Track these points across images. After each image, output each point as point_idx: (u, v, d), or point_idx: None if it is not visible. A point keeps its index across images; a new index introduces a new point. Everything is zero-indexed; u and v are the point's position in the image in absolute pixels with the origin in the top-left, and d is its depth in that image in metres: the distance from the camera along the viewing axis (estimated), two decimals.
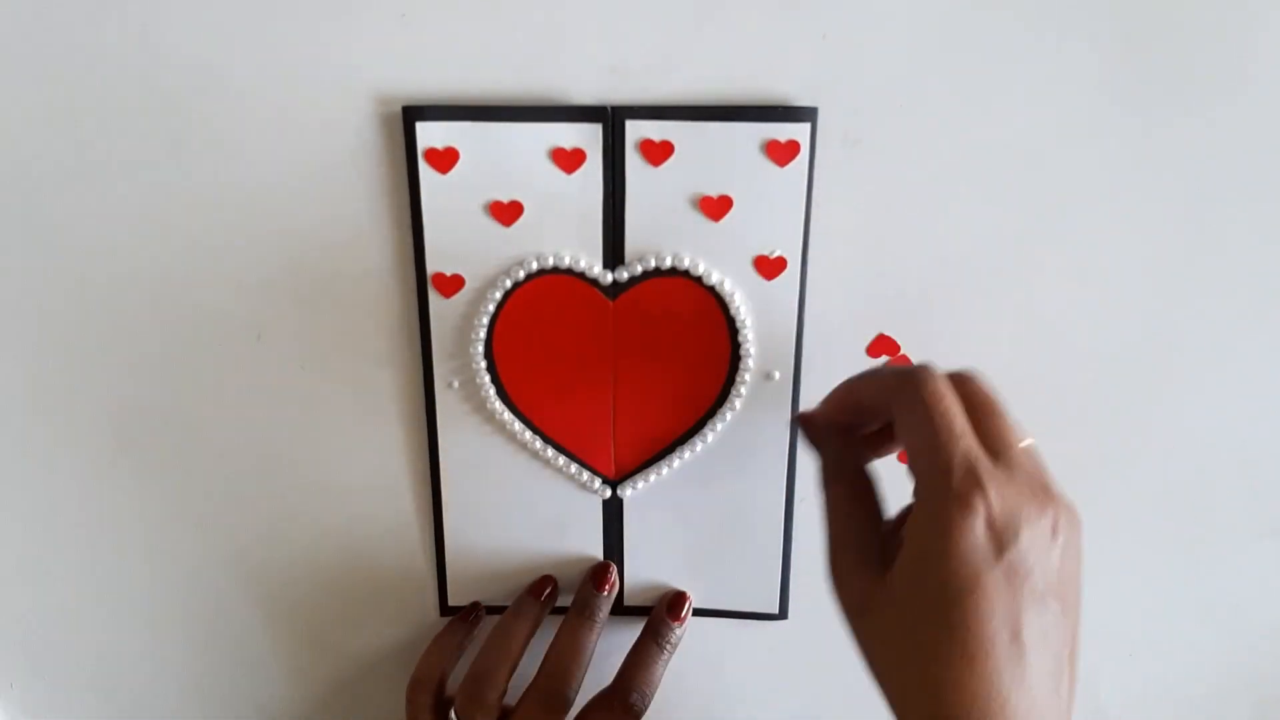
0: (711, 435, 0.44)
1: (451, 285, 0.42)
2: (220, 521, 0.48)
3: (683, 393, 0.44)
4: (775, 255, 0.41)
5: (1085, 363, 0.44)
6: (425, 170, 0.40)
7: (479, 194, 0.40)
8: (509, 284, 0.42)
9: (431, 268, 0.42)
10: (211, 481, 0.47)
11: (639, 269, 0.41)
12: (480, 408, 0.44)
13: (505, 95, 0.39)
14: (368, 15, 0.38)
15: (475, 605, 0.48)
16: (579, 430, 0.45)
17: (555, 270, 0.42)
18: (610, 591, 0.46)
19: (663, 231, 0.41)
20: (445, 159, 0.40)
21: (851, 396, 0.37)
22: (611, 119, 0.39)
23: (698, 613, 0.48)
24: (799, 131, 0.39)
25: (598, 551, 0.47)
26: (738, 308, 0.42)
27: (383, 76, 0.39)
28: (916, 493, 0.33)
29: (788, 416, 0.44)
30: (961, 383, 0.34)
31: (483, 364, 0.43)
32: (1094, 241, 0.41)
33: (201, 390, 0.45)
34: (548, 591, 0.47)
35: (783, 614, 0.48)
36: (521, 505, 0.46)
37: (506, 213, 0.41)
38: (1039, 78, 0.39)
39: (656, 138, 0.39)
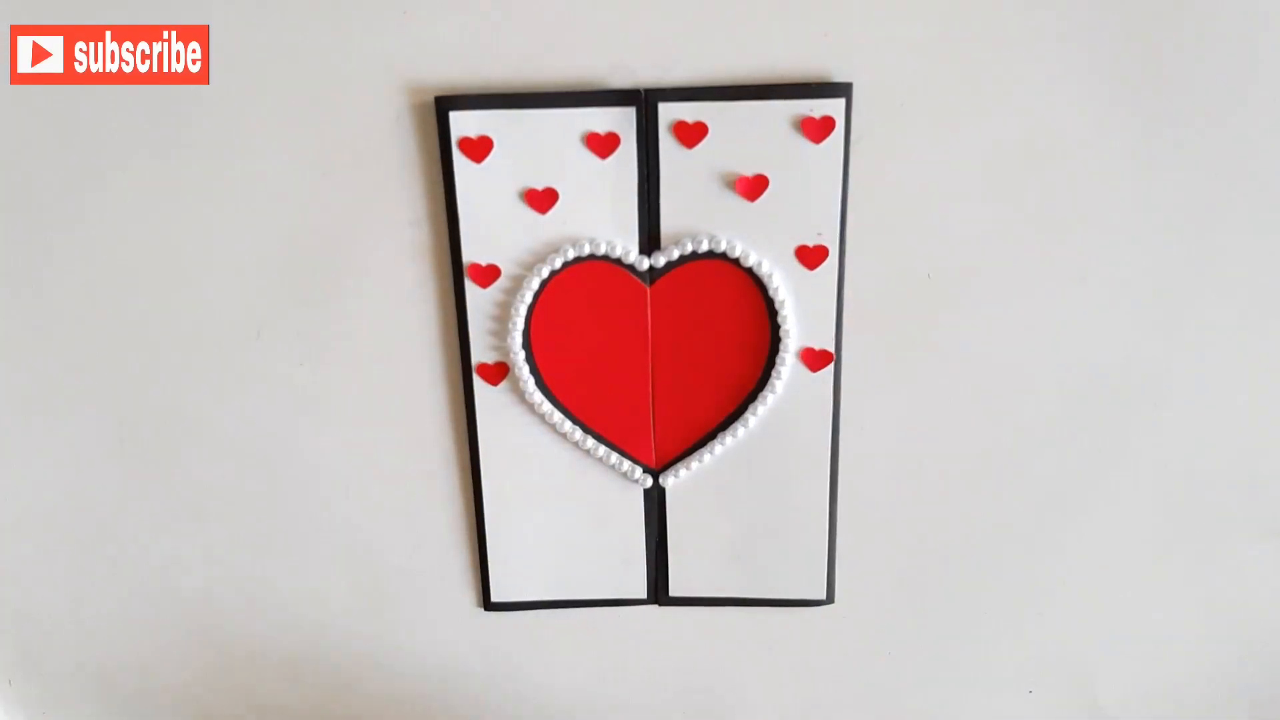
0: (753, 420, 0.43)
1: (488, 275, 0.42)
2: (226, 520, 0.48)
3: (723, 377, 0.43)
4: (815, 244, 0.41)
5: (1086, 363, 0.43)
6: (459, 160, 0.40)
7: (514, 182, 0.40)
8: (546, 273, 0.41)
9: (467, 258, 0.41)
10: (214, 479, 0.47)
11: (675, 254, 0.41)
12: (519, 399, 0.44)
13: (538, 81, 0.39)
14: (399, 6, 0.38)
15: None
16: (618, 419, 0.44)
17: (591, 257, 0.41)
18: None
19: (698, 214, 0.41)
20: (479, 148, 0.40)
21: None
22: (645, 101, 0.39)
23: (745, 603, 0.47)
24: (834, 107, 0.39)
25: (640, 542, 0.47)
26: (775, 288, 0.41)
27: (415, 66, 0.39)
28: None
29: (830, 398, 0.43)
30: None
31: (521, 354, 0.43)
32: (1095, 241, 0.41)
33: (201, 389, 0.45)
34: None
35: (829, 598, 0.47)
36: (562, 496, 0.46)
37: (542, 200, 0.41)
38: (1046, 72, 0.38)
39: (690, 119, 0.39)
